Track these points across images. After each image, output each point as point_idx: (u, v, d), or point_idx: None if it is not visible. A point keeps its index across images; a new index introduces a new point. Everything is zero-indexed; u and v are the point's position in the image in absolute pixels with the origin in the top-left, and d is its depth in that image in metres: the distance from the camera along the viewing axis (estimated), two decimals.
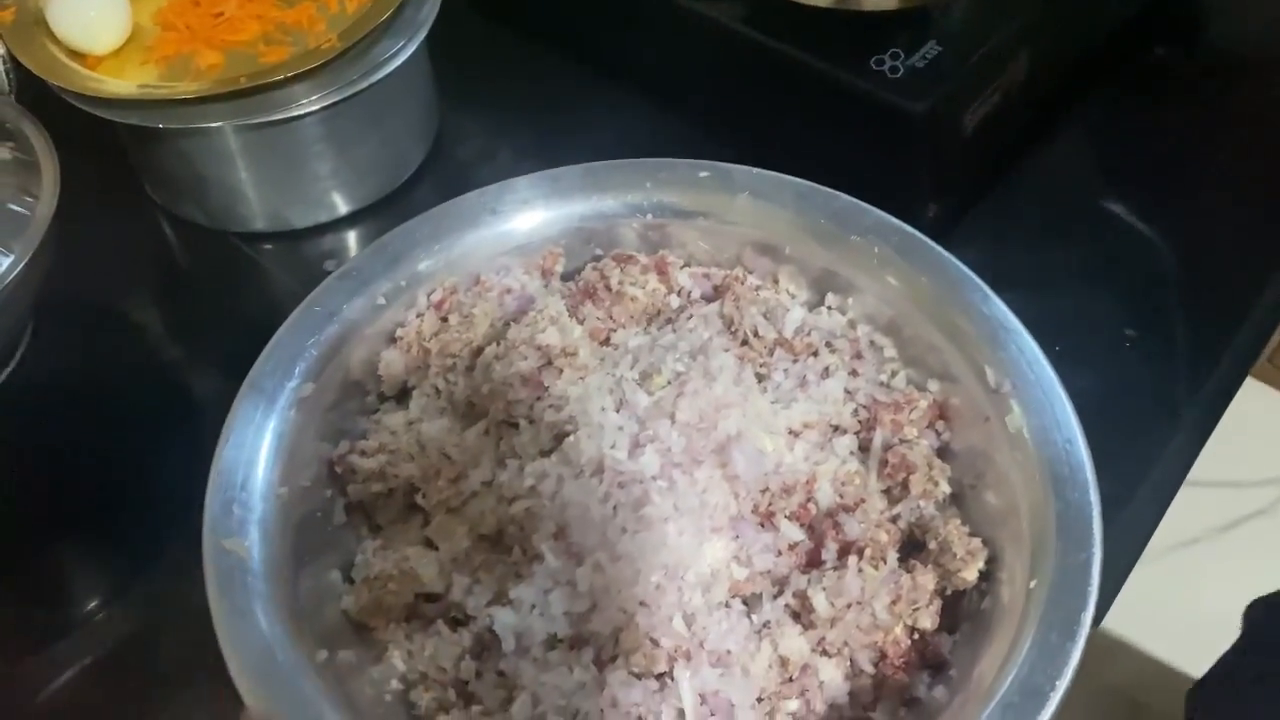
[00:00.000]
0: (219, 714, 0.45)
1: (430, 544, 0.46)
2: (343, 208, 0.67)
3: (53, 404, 0.59)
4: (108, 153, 0.66)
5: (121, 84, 0.60)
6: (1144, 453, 0.56)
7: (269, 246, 0.67)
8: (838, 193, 0.51)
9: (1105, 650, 1.33)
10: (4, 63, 0.58)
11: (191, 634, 0.51)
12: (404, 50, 0.62)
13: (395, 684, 0.43)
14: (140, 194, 0.68)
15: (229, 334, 0.63)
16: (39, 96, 0.60)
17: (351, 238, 0.68)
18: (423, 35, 0.63)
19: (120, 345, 0.64)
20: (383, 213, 0.68)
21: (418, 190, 0.70)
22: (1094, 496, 0.42)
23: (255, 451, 0.43)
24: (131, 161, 0.67)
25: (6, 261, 0.50)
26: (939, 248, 0.50)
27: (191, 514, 0.55)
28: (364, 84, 0.61)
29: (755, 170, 0.53)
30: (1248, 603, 0.88)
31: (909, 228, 0.50)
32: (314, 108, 0.60)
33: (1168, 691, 1.30)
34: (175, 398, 0.63)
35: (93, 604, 0.55)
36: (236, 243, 0.67)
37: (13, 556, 0.55)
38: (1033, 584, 0.40)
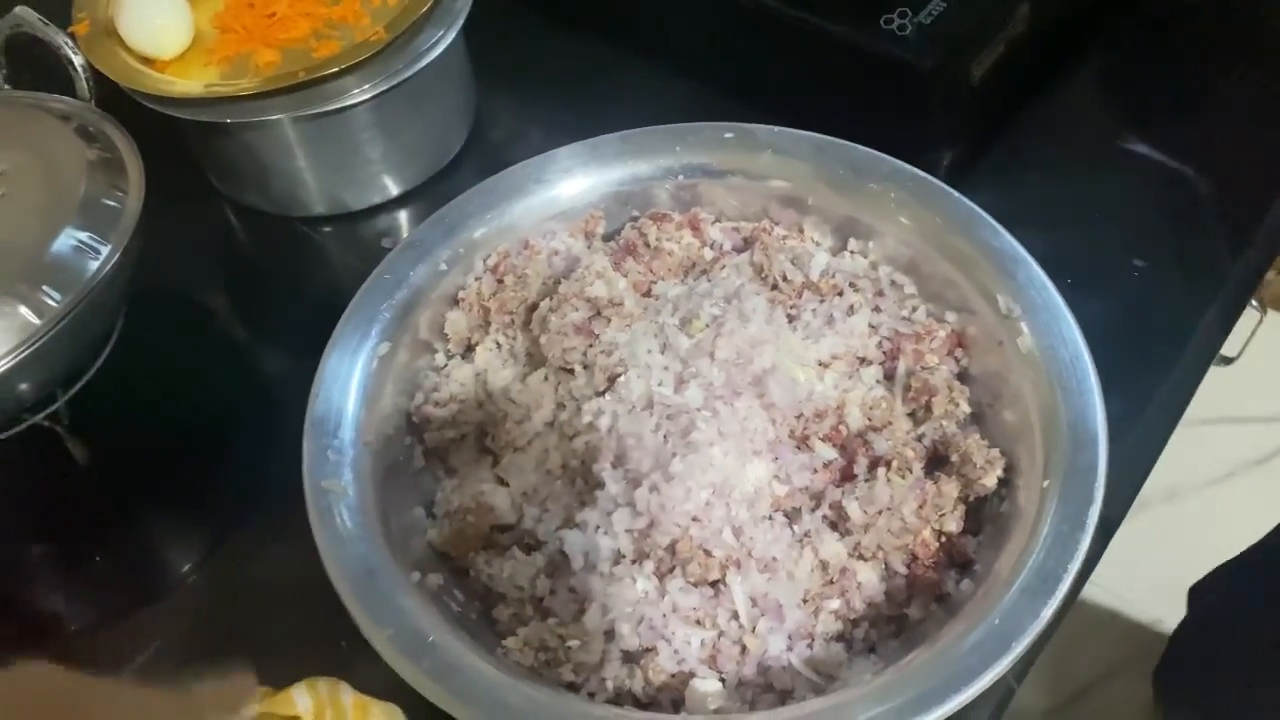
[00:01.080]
0: (301, 666, 0.49)
1: (501, 481, 0.51)
2: (394, 189, 0.72)
3: (144, 384, 0.65)
4: (174, 150, 0.71)
5: (189, 84, 0.65)
6: (1153, 372, 0.60)
7: (328, 228, 0.72)
8: (855, 144, 0.56)
9: (1146, 585, 1.37)
10: (84, 71, 0.64)
11: (274, 595, 0.57)
12: (444, 39, 0.67)
13: (477, 603, 0.48)
14: (207, 187, 0.74)
15: (298, 311, 0.69)
16: (109, 101, 0.66)
17: (403, 216, 0.73)
18: (460, 23, 0.68)
19: (200, 328, 0.70)
20: (431, 192, 0.73)
21: (462, 169, 0.74)
22: (1098, 404, 0.46)
23: (343, 403, 0.49)
24: (198, 157, 0.73)
25: (105, 250, 0.56)
26: (950, 189, 0.54)
27: (270, 481, 0.61)
28: (409, 72, 0.65)
29: (777, 128, 0.57)
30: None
31: (922, 173, 0.55)
32: (364, 97, 0.65)
33: None
34: (253, 374, 0.68)
35: (185, 568, 0.61)
36: (299, 227, 0.72)
37: (112, 527, 0.61)
38: (1045, 484, 0.45)
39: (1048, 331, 0.49)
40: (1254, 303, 0.83)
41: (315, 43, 0.66)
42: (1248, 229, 0.67)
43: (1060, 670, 1.33)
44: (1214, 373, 0.71)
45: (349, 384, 0.49)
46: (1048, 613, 0.41)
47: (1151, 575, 1.36)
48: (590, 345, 0.51)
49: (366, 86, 0.65)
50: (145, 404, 0.64)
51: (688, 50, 0.73)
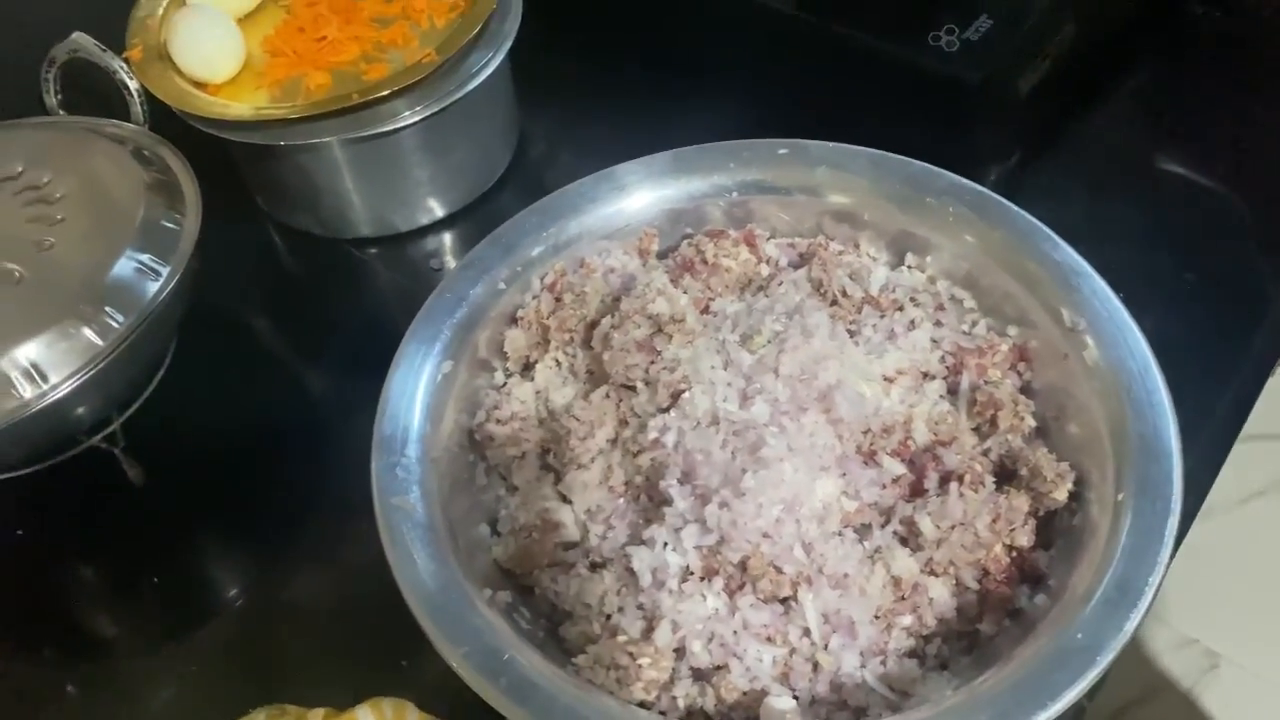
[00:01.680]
0: (362, 687, 0.49)
1: (564, 498, 0.51)
2: (440, 210, 0.73)
3: (197, 406, 0.65)
4: (223, 173, 0.71)
5: (241, 107, 0.66)
6: (1213, 385, 0.60)
7: (375, 250, 0.73)
8: (910, 159, 0.56)
9: (1180, 605, 1.36)
10: (138, 95, 0.64)
11: (330, 614, 0.57)
12: (492, 61, 0.67)
13: (544, 621, 0.48)
14: (255, 209, 0.74)
15: (347, 332, 0.69)
16: (162, 125, 0.66)
17: (449, 237, 0.73)
18: (508, 46, 0.68)
19: (251, 349, 0.70)
20: (476, 212, 0.73)
21: (506, 190, 0.75)
22: (1170, 414, 0.46)
23: (409, 421, 0.49)
24: (247, 179, 0.73)
25: (165, 271, 0.56)
26: (1008, 203, 0.54)
27: (321, 499, 0.61)
28: (458, 95, 0.66)
29: (831, 144, 0.57)
30: None
31: (980, 187, 0.55)
32: (414, 119, 0.65)
33: (1247, 641, 1.32)
34: (303, 394, 0.68)
35: (239, 588, 0.61)
36: (347, 248, 0.72)
37: (168, 547, 0.61)
38: (1120, 496, 0.44)
39: (1115, 344, 0.48)
40: None
41: (365, 66, 0.67)
42: None
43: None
44: None
45: (414, 402, 0.49)
46: (1130, 626, 0.40)
47: (1185, 594, 1.35)
48: (652, 362, 0.51)
49: (418, 108, 0.65)
50: (198, 425, 0.65)
51: (733, 69, 0.73)
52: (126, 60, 0.65)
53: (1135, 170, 0.71)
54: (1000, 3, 0.67)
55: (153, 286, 0.56)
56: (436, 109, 0.65)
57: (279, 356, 0.70)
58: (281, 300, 0.73)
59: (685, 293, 0.54)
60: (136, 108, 0.65)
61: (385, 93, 0.64)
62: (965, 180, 0.55)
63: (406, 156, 0.68)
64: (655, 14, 0.77)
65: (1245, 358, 0.62)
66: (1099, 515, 0.45)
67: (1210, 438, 0.59)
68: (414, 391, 0.50)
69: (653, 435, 0.48)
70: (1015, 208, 0.54)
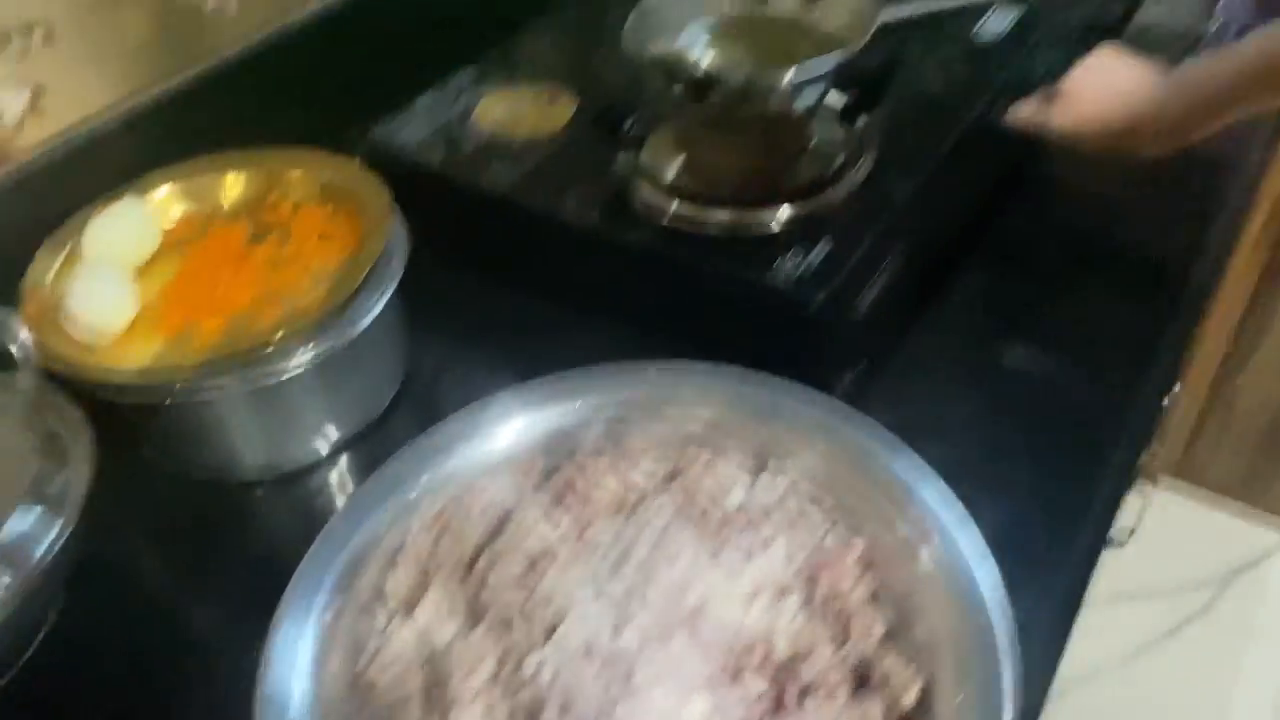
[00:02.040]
0: None
1: None
2: (331, 443, 0.75)
3: (86, 659, 0.65)
4: (115, 422, 0.71)
5: (128, 370, 0.67)
6: (1052, 565, 0.64)
7: (265, 490, 0.74)
8: (769, 375, 0.61)
9: None
10: (33, 350, 0.66)
11: None
12: (380, 300, 0.71)
13: None
14: (143, 457, 0.75)
15: (238, 574, 0.69)
16: (58, 374, 0.68)
17: (340, 467, 0.75)
18: (394, 284, 0.72)
19: (139, 598, 0.69)
20: (367, 439, 0.76)
21: (396, 413, 0.78)
22: (1002, 617, 0.50)
23: (290, 678, 0.50)
24: (137, 430, 0.74)
25: (57, 526, 0.57)
26: (858, 412, 0.60)
27: None
28: (351, 334, 0.69)
29: (697, 363, 0.63)
30: None
31: (830, 398, 0.61)
32: (306, 362, 0.68)
33: None
34: (195, 641, 0.67)
35: None
36: (237, 490, 0.74)
37: None
38: (959, 699, 0.48)
39: (953, 545, 0.53)
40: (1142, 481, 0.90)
41: (258, 311, 0.70)
42: (1121, 418, 0.74)
43: None
44: (1114, 551, 0.76)
45: (295, 656, 0.51)
46: None
47: None
48: (528, 598, 0.53)
49: (309, 346, 0.68)
50: (87, 677, 0.64)
51: (607, 296, 0.80)
52: (22, 317, 0.67)
53: (975, 364, 0.78)
54: (838, 229, 0.75)
55: (45, 542, 0.57)
56: (327, 352, 0.68)
57: (169, 602, 0.70)
58: (171, 547, 0.73)
59: (559, 525, 0.57)
60: (31, 361, 0.66)
61: (277, 336, 0.67)
62: (818, 392, 0.61)
63: (296, 398, 0.71)
64: (534, 249, 0.84)
65: (1082, 531, 0.68)
66: (945, 717, 0.49)
67: (1057, 612, 0.63)
68: (295, 646, 0.51)
69: (529, 672, 0.50)
70: (862, 415, 0.60)
